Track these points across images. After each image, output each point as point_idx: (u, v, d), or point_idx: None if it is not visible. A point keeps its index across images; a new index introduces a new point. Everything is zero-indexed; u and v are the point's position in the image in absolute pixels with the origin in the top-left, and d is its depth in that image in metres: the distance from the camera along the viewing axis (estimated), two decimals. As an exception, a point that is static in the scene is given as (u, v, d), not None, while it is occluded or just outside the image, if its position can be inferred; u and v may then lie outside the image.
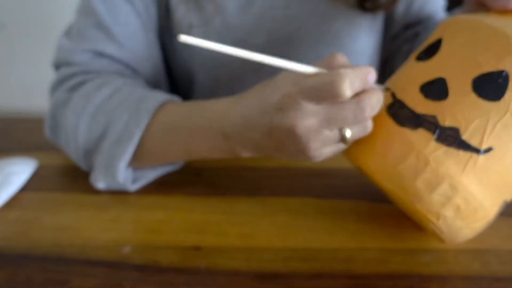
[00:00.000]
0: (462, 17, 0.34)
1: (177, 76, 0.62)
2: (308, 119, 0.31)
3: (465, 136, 0.29)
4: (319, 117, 0.31)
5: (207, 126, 0.39)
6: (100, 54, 0.49)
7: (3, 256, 0.36)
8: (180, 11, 0.52)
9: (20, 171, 0.45)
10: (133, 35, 0.50)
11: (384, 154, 0.32)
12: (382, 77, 0.67)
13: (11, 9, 1.26)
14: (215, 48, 0.32)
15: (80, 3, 0.52)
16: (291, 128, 0.32)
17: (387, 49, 0.63)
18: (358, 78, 0.31)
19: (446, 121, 0.30)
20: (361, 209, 0.41)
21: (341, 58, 0.33)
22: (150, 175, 0.45)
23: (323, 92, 0.31)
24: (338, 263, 0.35)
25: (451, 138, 0.30)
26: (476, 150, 0.29)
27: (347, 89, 0.30)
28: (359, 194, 0.43)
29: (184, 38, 0.29)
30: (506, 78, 0.29)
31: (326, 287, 0.33)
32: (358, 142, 0.34)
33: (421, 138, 0.30)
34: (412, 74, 0.33)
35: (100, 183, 0.43)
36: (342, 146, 0.34)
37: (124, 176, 0.42)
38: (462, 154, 0.29)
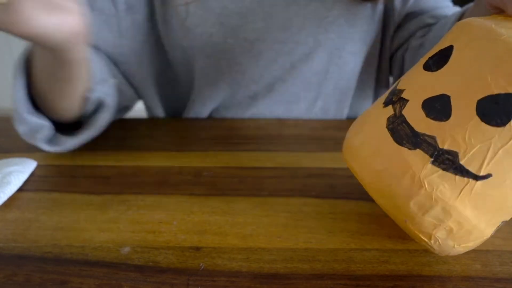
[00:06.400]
0: (477, 23, 0.30)
1: (177, 65, 0.62)
2: None
3: (463, 161, 0.28)
4: None
5: None
6: None
7: (2, 256, 0.35)
8: None
9: (18, 171, 0.45)
10: (105, 22, 0.55)
11: (380, 171, 0.31)
12: (390, 72, 0.67)
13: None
14: None
15: None
16: None
17: (390, 44, 0.63)
18: None
19: (446, 144, 0.28)
20: (361, 209, 0.41)
21: None
22: (71, 141, 0.48)
23: None
24: (338, 263, 0.35)
25: (449, 162, 0.28)
26: (474, 176, 0.28)
27: None
28: (359, 194, 0.43)
29: None
30: None
31: (326, 287, 0.32)
32: (356, 154, 0.33)
33: (418, 159, 0.29)
34: (417, 86, 0.32)
35: (17, 125, 0.47)
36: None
37: (25, 108, 0.45)
38: (459, 179, 0.28)
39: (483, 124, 0.27)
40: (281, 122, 0.60)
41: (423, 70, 0.32)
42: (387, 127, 0.31)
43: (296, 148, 0.52)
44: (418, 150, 0.29)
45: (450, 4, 0.61)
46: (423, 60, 0.33)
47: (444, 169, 0.28)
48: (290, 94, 0.62)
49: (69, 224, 0.39)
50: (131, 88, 0.62)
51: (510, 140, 0.27)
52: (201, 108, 0.63)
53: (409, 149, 0.30)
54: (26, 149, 0.51)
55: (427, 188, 0.29)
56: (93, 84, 0.48)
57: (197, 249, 0.36)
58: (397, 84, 0.34)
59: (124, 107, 0.62)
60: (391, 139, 0.31)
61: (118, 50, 0.58)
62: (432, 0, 0.59)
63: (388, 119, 0.32)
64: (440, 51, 0.32)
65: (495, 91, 0.27)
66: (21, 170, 0.45)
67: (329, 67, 0.61)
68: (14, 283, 0.33)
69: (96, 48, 0.56)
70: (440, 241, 0.30)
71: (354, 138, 0.34)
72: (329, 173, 0.47)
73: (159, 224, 0.39)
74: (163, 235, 0.38)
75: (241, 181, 0.45)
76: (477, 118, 0.27)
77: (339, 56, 0.60)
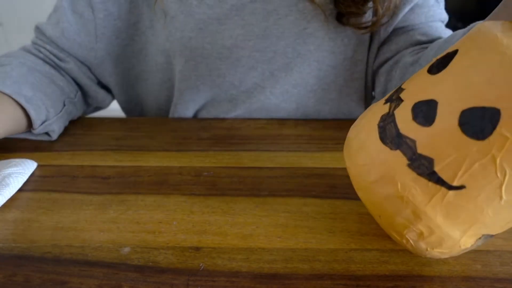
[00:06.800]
0: (485, 28, 0.28)
1: (160, 71, 0.63)
2: None
3: (438, 169, 0.27)
4: None
5: None
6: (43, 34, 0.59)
7: (1, 256, 0.35)
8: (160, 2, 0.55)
9: (18, 172, 0.45)
10: (84, 26, 0.59)
11: (361, 166, 0.31)
12: (373, 88, 0.66)
13: (7, 8, 1.25)
14: None
15: None
16: None
17: (375, 58, 0.62)
18: None
19: (424, 149, 0.28)
20: (362, 209, 0.41)
21: None
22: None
23: None
24: (338, 263, 0.35)
25: (424, 167, 0.28)
26: (447, 185, 0.27)
27: None
28: (360, 194, 0.43)
29: None
30: (497, 118, 0.25)
31: (326, 287, 0.32)
32: (348, 146, 0.34)
33: (395, 160, 0.29)
34: (415, 87, 0.31)
35: None
36: None
37: None
38: (432, 186, 0.28)
39: (462, 135, 0.26)
40: (281, 122, 0.60)
41: (426, 72, 0.31)
42: (378, 124, 0.32)
43: (296, 148, 0.52)
44: (398, 151, 0.29)
45: (441, 23, 0.59)
46: (432, 61, 0.32)
47: (418, 174, 0.28)
48: (270, 105, 0.63)
49: (69, 224, 0.39)
50: (102, 90, 0.65)
51: (487, 155, 0.26)
52: (184, 112, 0.64)
53: (391, 149, 0.30)
54: (26, 149, 0.51)
55: (399, 190, 0.29)
56: (35, 126, 0.51)
57: (197, 249, 0.36)
58: (404, 82, 0.34)
59: (96, 107, 0.68)
60: (377, 136, 0.31)
61: (93, 53, 0.61)
62: (422, 16, 0.57)
63: (382, 116, 0.32)
64: (447, 54, 0.31)
65: (481, 103, 0.26)
66: (20, 172, 0.45)
67: (309, 79, 0.61)
68: (14, 283, 0.33)
69: (70, 54, 0.60)
70: (411, 242, 0.30)
71: (351, 130, 0.35)
72: (329, 173, 0.47)
73: (159, 224, 0.39)
74: (163, 235, 0.38)
75: (241, 181, 0.45)
76: (457, 128, 0.27)
77: (318, 69, 0.60)
